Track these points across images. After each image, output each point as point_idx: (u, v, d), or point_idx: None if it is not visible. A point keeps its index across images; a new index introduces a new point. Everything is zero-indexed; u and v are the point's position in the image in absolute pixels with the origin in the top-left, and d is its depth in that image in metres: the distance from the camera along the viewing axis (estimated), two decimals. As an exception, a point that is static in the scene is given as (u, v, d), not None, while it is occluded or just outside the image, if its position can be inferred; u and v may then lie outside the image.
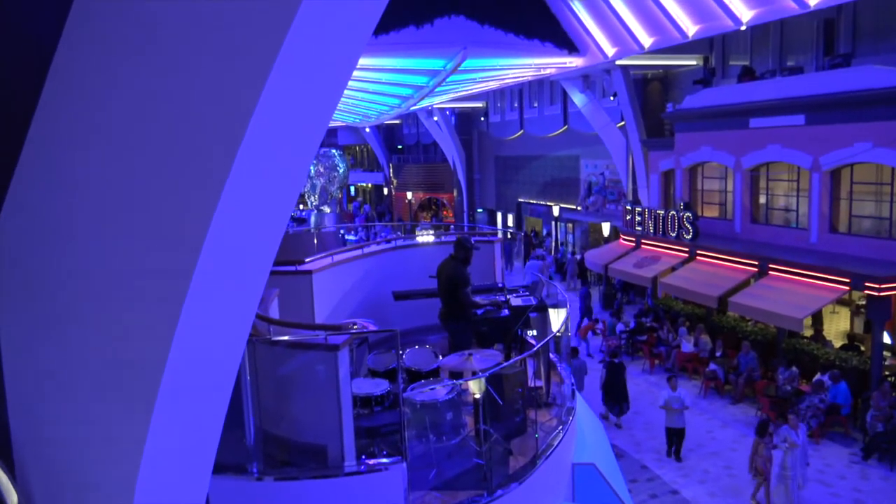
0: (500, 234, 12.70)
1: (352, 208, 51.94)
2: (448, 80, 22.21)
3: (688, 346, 17.52)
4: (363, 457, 5.67)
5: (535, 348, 7.79)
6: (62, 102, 3.01)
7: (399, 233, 21.74)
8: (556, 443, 6.78)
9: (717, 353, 17.01)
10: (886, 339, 14.83)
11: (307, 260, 9.91)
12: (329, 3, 2.44)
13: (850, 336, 16.44)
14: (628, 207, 22.02)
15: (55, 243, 3.12)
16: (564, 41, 22.20)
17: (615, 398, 14.71)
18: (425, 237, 13.16)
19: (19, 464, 3.45)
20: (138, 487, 2.89)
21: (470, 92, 30.60)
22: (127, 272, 2.86)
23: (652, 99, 24.41)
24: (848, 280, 14.31)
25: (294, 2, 2.33)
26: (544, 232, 34.08)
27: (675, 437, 13.12)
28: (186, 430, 3.00)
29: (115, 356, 2.95)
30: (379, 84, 24.23)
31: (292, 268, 9.49)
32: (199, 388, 2.96)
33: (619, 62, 21.78)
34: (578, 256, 27.91)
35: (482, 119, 38.84)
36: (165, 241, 2.73)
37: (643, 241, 21.04)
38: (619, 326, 19.66)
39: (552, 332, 8.56)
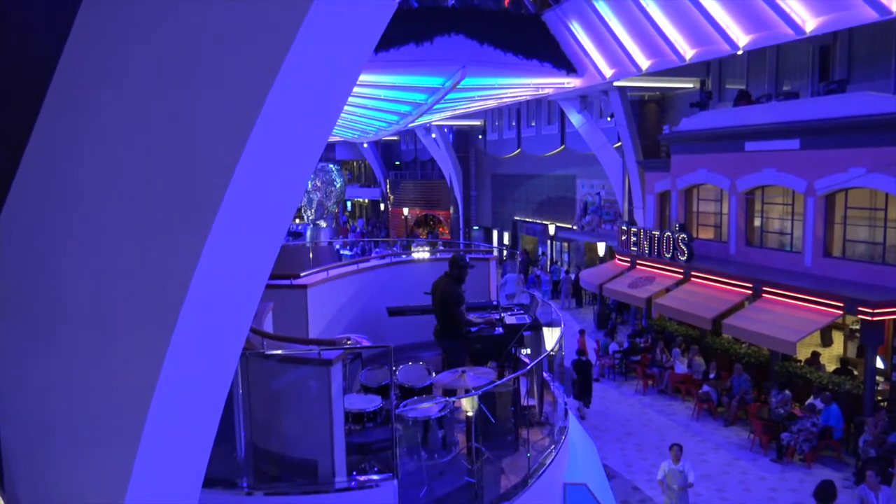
0: (495, 253, 12.71)
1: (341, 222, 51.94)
2: (447, 97, 22.36)
3: (681, 367, 17.51)
4: (354, 473, 5.64)
5: (528, 367, 7.77)
6: (60, 122, 3.02)
7: (395, 248, 21.75)
8: (548, 462, 6.76)
9: (711, 375, 16.98)
10: (879, 363, 14.85)
11: (302, 274, 9.90)
12: (332, 20, 2.47)
13: (844, 360, 16.43)
14: (624, 228, 22.08)
15: (52, 255, 3.12)
16: (563, 62, 22.39)
17: (582, 392, 16.08)
18: (421, 254, 13.16)
19: (8, 475, 3.43)
20: (128, 501, 2.87)
21: (468, 110, 30.76)
22: (123, 282, 2.87)
23: (649, 120, 24.55)
24: (841, 304, 14.34)
25: (297, 18, 2.36)
26: (539, 251, 34.09)
27: None
28: (177, 443, 2.99)
29: (108, 365, 2.94)
30: (378, 100, 24.39)
31: (287, 282, 9.48)
32: (192, 401, 2.96)
33: (616, 83, 21.95)
34: (573, 276, 27.94)
35: (480, 137, 39.02)
36: (162, 253, 2.74)
37: (638, 261, 21.08)
38: (613, 346, 19.65)
39: (546, 350, 8.55)
